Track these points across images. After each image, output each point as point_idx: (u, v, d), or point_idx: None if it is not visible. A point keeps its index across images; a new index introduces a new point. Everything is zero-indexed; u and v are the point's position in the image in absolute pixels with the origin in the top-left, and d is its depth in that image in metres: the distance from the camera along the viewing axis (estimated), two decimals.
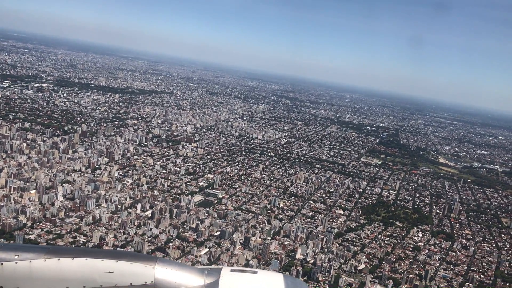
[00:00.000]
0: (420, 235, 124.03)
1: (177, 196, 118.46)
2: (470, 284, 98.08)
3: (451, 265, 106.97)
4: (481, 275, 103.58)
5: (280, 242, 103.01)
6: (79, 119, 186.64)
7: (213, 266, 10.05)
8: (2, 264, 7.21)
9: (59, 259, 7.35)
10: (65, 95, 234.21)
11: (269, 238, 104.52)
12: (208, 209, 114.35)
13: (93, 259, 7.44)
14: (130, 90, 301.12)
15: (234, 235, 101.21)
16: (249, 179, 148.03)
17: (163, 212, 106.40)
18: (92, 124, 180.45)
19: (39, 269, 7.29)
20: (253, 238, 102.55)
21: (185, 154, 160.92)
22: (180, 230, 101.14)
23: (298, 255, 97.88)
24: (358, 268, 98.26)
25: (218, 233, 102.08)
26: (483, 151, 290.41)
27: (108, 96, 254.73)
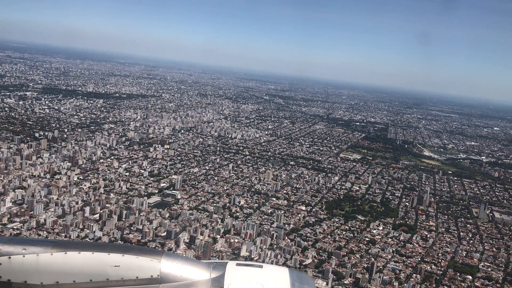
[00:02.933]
0: (381, 228, 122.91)
1: (132, 198, 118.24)
2: (418, 275, 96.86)
3: (404, 257, 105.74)
4: (433, 266, 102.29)
5: (228, 240, 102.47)
6: (53, 125, 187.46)
7: (218, 260, 10.50)
8: (10, 257, 7.35)
9: (66, 253, 7.49)
10: (47, 102, 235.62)
11: (218, 236, 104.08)
12: (160, 210, 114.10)
13: (99, 253, 7.60)
14: (117, 95, 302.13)
15: (180, 235, 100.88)
16: (216, 178, 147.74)
17: (112, 215, 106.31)
18: (66, 130, 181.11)
19: (46, 263, 7.43)
20: (201, 237, 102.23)
21: (154, 156, 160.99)
22: (125, 231, 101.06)
23: (243, 252, 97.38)
24: (304, 263, 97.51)
25: (165, 233, 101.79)
26: (473, 143, 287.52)
27: (92, 101, 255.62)
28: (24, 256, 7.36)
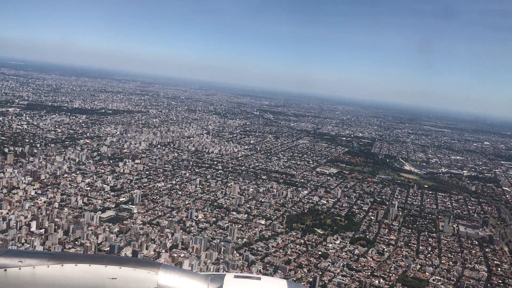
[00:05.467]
0: (337, 242, 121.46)
1: (83, 212, 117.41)
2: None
3: (354, 271, 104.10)
4: (381, 280, 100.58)
5: (172, 254, 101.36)
6: (27, 140, 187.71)
7: (216, 272, 9.98)
8: (5, 270, 7.29)
9: (62, 265, 7.43)
10: (27, 118, 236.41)
11: (163, 251, 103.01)
12: (110, 224, 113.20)
13: (96, 265, 7.54)
14: (102, 110, 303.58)
15: (124, 250, 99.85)
16: (180, 193, 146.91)
17: (58, 229, 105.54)
18: (38, 145, 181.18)
19: (43, 275, 7.35)
20: (145, 251, 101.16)
21: (121, 171, 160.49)
22: (68, 246, 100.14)
23: (185, 267, 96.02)
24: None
25: (108, 248, 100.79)
26: (458, 157, 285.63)
27: (74, 117, 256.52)
28: (20, 268, 7.28)
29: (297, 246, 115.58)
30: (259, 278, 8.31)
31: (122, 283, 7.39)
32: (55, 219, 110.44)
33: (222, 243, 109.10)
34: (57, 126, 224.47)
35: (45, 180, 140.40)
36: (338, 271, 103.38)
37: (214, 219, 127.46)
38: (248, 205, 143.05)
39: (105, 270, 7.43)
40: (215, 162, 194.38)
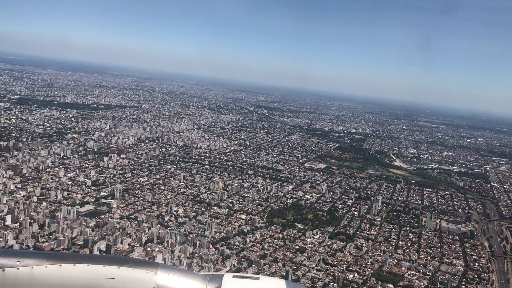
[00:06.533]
0: (317, 236, 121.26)
1: (60, 206, 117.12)
2: (335, 284, 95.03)
3: (329, 266, 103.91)
4: (356, 275, 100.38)
5: (146, 248, 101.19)
6: (13, 135, 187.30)
7: (215, 272, 10.17)
8: (3, 270, 7.26)
9: (60, 265, 7.42)
10: (17, 112, 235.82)
11: (137, 245, 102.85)
12: (87, 218, 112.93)
13: (95, 265, 7.53)
14: (94, 105, 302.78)
15: (98, 244, 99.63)
16: (162, 187, 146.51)
17: (33, 223, 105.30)
18: (25, 140, 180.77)
19: (41, 275, 7.33)
20: (120, 245, 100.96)
21: (105, 166, 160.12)
22: (41, 240, 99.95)
23: (158, 260, 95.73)
24: (221, 272, 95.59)
25: (82, 242, 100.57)
26: (450, 153, 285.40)
27: (65, 111, 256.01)
28: (18, 268, 7.26)
29: (275, 240, 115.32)
30: (257, 278, 8.33)
31: (121, 283, 7.40)
32: (32, 213, 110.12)
33: (198, 237, 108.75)
34: (46, 121, 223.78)
35: (26, 175, 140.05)
36: (313, 265, 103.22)
37: (194, 213, 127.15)
38: (230, 200, 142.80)
39: (104, 270, 7.43)
40: (202, 157, 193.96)
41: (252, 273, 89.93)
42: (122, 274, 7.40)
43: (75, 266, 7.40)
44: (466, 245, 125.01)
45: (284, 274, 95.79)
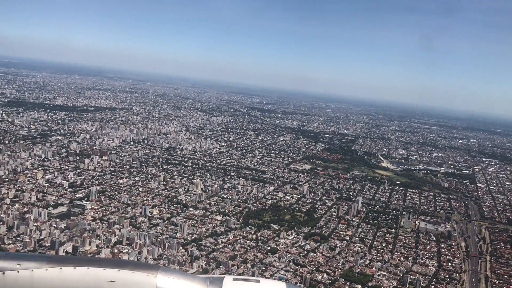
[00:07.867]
0: (291, 237, 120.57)
1: (31, 208, 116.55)
2: (302, 285, 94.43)
3: (299, 267, 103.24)
4: (325, 275, 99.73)
5: (113, 250, 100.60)
6: None
7: (215, 275, 10.20)
8: (3, 273, 7.24)
9: (61, 268, 7.39)
10: (3, 115, 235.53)
11: (105, 246, 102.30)
12: (58, 220, 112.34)
13: (95, 268, 7.49)
14: (84, 108, 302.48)
15: (65, 245, 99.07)
16: (140, 189, 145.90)
17: (1, 225, 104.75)
18: (7, 142, 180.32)
19: (41, 278, 7.30)
20: (87, 247, 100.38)
21: (85, 167, 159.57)
22: (7, 241, 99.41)
23: None
24: (188, 272, 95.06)
25: (49, 244, 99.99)
26: (440, 154, 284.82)
27: (53, 114, 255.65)
28: (18, 271, 7.23)
29: (248, 241, 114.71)
30: (258, 281, 8.28)
31: (121, 286, 7.36)
32: (1, 215, 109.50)
33: (168, 239, 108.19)
34: (32, 123, 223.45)
35: (3, 177, 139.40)
36: (283, 266, 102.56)
37: (168, 215, 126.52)
38: (208, 202, 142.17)
39: (104, 273, 7.38)
40: (186, 159, 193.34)
41: (219, 274, 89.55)
42: (123, 277, 7.38)
43: (75, 269, 7.37)
44: (442, 245, 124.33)
45: (251, 275, 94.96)
